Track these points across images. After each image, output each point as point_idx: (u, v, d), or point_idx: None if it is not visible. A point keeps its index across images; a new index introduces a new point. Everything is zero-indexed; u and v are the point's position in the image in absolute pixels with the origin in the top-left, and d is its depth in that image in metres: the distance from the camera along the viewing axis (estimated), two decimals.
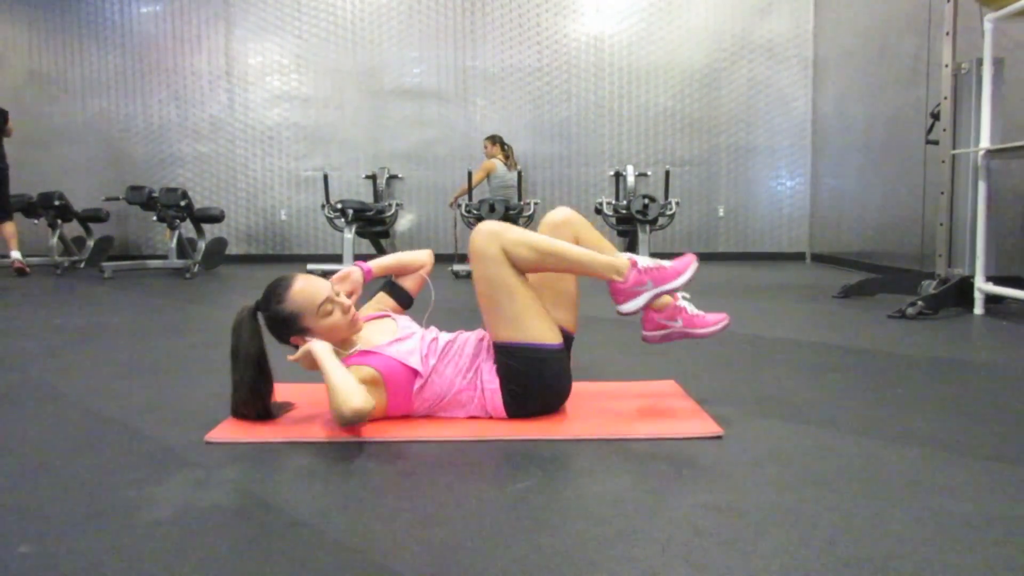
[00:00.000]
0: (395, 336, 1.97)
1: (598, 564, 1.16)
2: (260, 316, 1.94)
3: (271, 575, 1.14)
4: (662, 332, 2.06)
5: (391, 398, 1.88)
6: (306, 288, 1.88)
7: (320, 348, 1.83)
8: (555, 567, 1.15)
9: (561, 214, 2.10)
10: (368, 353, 1.90)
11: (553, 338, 1.92)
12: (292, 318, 1.87)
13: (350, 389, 1.72)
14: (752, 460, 1.63)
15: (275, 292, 1.89)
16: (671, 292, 1.97)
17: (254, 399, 1.91)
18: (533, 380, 1.90)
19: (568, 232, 2.07)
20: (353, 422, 1.72)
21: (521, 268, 1.91)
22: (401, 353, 1.90)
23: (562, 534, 1.27)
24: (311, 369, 1.87)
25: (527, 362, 1.89)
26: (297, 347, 1.91)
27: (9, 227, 6.96)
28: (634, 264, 1.95)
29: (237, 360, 1.90)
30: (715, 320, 2.03)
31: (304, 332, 1.89)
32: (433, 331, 2.05)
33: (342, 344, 1.93)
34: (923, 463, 1.61)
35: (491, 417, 1.92)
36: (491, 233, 1.89)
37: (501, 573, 1.13)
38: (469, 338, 2.03)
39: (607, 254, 2.00)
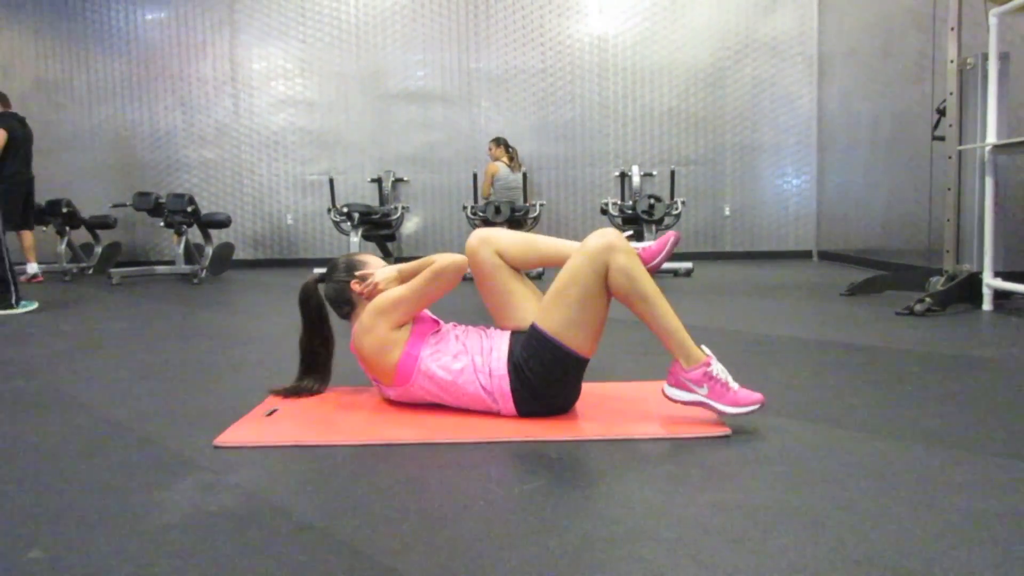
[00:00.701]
0: None
1: (607, 564, 1.16)
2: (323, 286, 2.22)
3: None
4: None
5: (413, 331, 2.04)
6: (370, 255, 2.27)
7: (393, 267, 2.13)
8: (564, 568, 1.15)
9: (476, 237, 2.12)
10: None
11: (587, 352, 1.95)
12: (361, 264, 2.19)
13: (431, 259, 2.04)
14: (760, 459, 1.63)
15: (345, 254, 2.28)
16: (719, 412, 1.86)
17: (320, 347, 2.24)
18: (550, 375, 1.92)
19: (488, 249, 2.09)
20: (460, 261, 2.02)
21: (609, 288, 1.92)
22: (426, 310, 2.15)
23: (570, 535, 1.27)
24: (371, 290, 2.08)
25: (554, 358, 1.91)
26: (352, 294, 2.16)
27: (28, 237, 6.96)
28: (706, 364, 1.88)
29: (306, 309, 2.22)
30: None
31: (358, 276, 2.16)
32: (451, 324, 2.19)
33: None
34: (932, 460, 1.60)
35: (499, 413, 1.95)
36: (609, 246, 1.90)
37: (510, 574, 1.13)
38: (475, 329, 2.12)
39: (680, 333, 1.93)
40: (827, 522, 1.29)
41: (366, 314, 2.02)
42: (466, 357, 1.99)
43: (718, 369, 1.88)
